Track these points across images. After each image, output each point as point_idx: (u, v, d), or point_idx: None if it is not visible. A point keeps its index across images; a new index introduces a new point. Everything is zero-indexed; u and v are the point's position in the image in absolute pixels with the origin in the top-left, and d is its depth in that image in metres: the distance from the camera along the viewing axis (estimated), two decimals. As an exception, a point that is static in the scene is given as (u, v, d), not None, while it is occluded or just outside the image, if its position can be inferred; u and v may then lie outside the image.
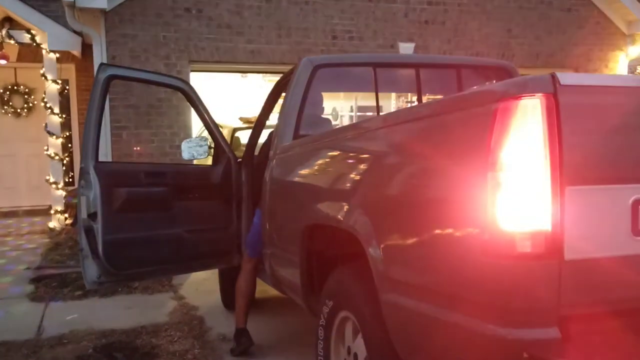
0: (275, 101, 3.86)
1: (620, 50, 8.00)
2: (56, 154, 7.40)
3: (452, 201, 1.63)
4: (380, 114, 3.66)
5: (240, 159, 3.93)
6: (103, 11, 5.94)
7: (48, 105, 7.33)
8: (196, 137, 4.15)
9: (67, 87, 8.58)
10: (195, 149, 3.94)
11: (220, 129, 4.02)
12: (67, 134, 8.25)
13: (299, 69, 3.27)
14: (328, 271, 2.53)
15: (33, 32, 7.22)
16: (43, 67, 7.32)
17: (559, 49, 7.71)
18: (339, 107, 11.83)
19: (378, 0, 6.94)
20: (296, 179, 2.88)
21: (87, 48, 6.99)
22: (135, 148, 6.15)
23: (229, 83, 10.34)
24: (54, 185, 7.40)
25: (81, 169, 3.42)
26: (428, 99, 3.75)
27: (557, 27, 7.66)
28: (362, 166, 2.18)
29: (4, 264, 5.92)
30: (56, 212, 7.40)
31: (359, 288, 2.19)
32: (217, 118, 4.09)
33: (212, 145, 3.98)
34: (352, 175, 2.23)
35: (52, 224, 7.41)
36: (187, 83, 4.02)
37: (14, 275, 5.49)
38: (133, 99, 6.15)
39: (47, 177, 7.47)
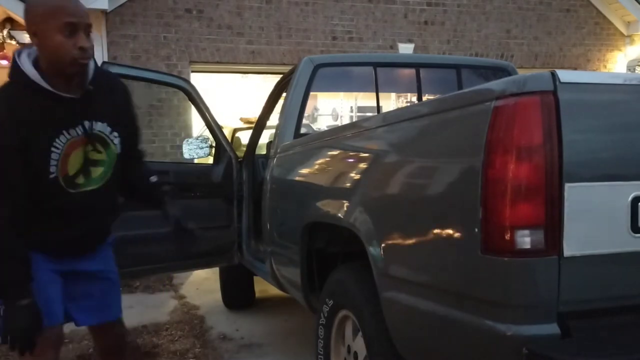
0: (276, 101, 3.88)
1: (619, 51, 8.02)
2: (57, 154, 7.39)
3: (451, 198, 1.65)
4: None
5: (241, 159, 3.95)
6: (104, 12, 5.95)
7: (49, 105, 7.33)
8: (197, 138, 4.16)
9: (68, 88, 8.58)
10: (195, 150, 3.95)
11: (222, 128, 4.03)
12: (68, 134, 8.25)
13: (300, 68, 3.28)
14: (328, 270, 2.54)
15: (34, 32, 7.22)
16: (44, 67, 7.32)
17: (558, 50, 7.73)
18: (339, 107, 11.84)
19: (378, 1, 6.95)
20: (296, 177, 2.89)
21: (87, 48, 7.00)
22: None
23: (229, 83, 10.35)
24: (54, 185, 7.40)
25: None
26: (428, 99, 3.76)
27: (556, 27, 7.68)
28: (362, 164, 2.19)
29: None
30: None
31: (359, 287, 2.19)
32: (218, 119, 4.10)
33: (213, 145, 3.99)
34: (352, 174, 2.23)
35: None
36: (189, 82, 4.03)
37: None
38: (134, 99, 6.16)
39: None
